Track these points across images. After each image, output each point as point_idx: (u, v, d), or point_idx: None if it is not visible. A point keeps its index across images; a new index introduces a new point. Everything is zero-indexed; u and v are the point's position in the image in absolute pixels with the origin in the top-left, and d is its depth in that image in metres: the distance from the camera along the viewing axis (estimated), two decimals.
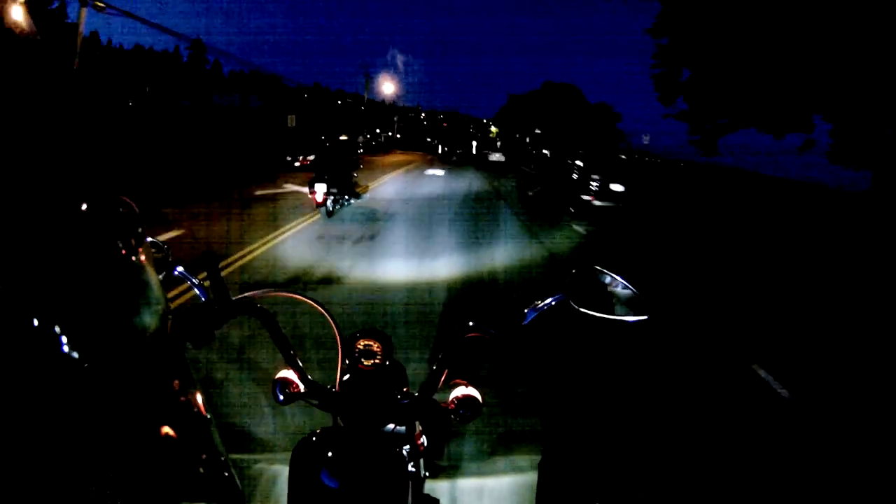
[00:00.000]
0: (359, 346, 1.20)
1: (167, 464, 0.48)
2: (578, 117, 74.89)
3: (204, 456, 0.57)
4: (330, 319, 1.22)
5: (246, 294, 1.21)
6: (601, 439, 3.03)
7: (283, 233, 8.46)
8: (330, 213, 10.16)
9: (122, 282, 0.54)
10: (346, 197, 10.98)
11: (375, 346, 1.20)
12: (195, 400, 0.57)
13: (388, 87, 64.58)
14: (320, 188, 9.86)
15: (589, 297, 1.18)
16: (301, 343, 3.41)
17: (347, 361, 1.20)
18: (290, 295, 1.25)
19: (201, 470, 0.55)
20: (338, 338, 1.22)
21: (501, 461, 2.05)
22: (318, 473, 0.99)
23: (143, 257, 0.64)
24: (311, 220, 9.79)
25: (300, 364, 1.17)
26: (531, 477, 1.89)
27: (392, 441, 1.09)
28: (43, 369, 0.34)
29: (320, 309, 1.24)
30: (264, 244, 7.61)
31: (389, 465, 1.04)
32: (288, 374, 1.16)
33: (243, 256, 6.86)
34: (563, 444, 2.89)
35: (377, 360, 1.19)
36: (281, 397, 1.14)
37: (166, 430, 0.48)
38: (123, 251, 0.55)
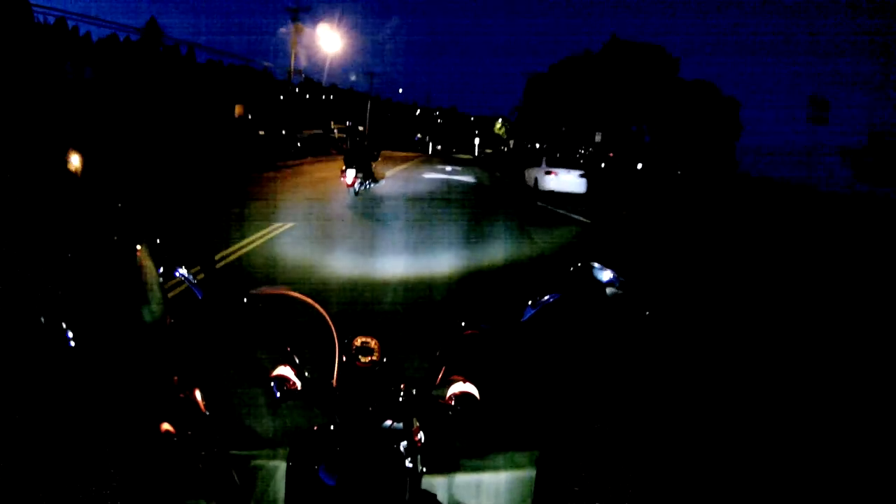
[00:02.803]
0: (356, 344, 1.21)
1: (167, 461, 0.48)
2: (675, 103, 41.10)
3: (203, 453, 0.57)
4: (326, 316, 1.22)
5: (242, 292, 1.21)
6: (600, 435, 3.05)
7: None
8: (357, 193, 13.56)
9: (122, 279, 0.54)
10: (369, 181, 14.33)
11: (373, 342, 1.20)
12: (195, 396, 0.57)
13: (330, 42, 32.59)
14: (350, 172, 13.05)
15: (587, 293, 1.18)
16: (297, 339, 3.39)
17: (344, 359, 1.20)
18: (287, 292, 1.25)
19: (201, 466, 0.55)
20: (334, 335, 1.22)
21: (499, 457, 2.06)
22: (316, 470, 0.99)
23: (141, 255, 0.63)
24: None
25: (297, 361, 1.17)
26: (529, 473, 1.90)
27: (389, 437, 1.09)
28: (43, 366, 0.34)
29: (317, 306, 1.23)
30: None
31: (387, 462, 1.04)
32: (284, 371, 1.16)
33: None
34: (562, 439, 2.91)
35: (374, 357, 1.19)
36: (278, 394, 1.14)
37: (166, 426, 0.48)
38: (122, 249, 0.54)
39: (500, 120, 77.63)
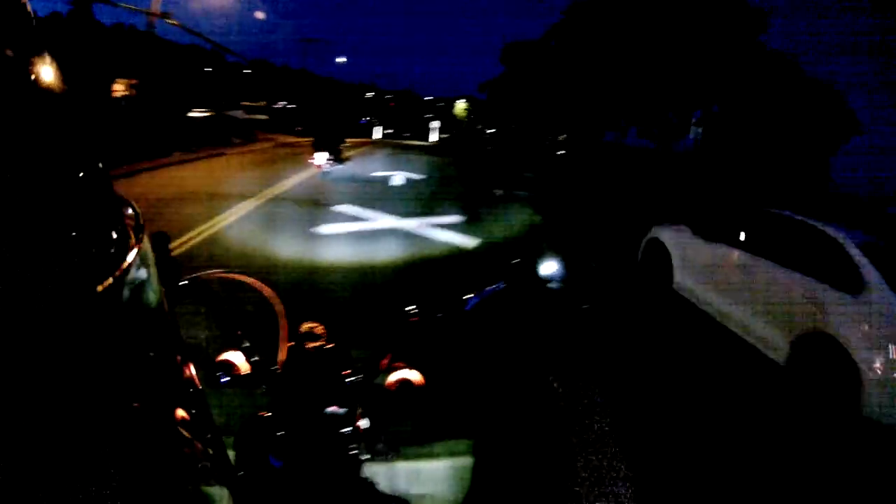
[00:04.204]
0: (302, 329, 1.21)
1: (168, 448, 0.47)
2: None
3: (208, 435, 0.55)
4: (277, 300, 1.22)
5: (192, 276, 1.19)
6: (536, 422, 3.14)
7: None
8: (326, 173, 15.32)
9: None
10: (336, 163, 16.03)
11: (319, 328, 1.21)
12: (189, 372, 0.56)
13: None
14: (320, 155, 15.01)
15: (530, 286, 1.23)
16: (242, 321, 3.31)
17: (291, 343, 1.20)
18: (238, 277, 1.23)
19: (200, 447, 0.53)
20: (282, 319, 1.22)
21: (439, 445, 2.10)
22: (263, 454, 1.00)
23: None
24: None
25: (245, 345, 1.16)
26: (468, 461, 1.95)
27: (332, 423, 1.10)
28: (36, 358, 0.33)
29: (265, 289, 1.23)
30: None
31: (329, 447, 1.06)
32: (231, 355, 1.15)
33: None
34: (499, 427, 2.98)
35: (320, 343, 1.20)
36: (224, 380, 1.13)
37: (181, 413, 0.47)
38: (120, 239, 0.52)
39: (462, 101, 64.60)
